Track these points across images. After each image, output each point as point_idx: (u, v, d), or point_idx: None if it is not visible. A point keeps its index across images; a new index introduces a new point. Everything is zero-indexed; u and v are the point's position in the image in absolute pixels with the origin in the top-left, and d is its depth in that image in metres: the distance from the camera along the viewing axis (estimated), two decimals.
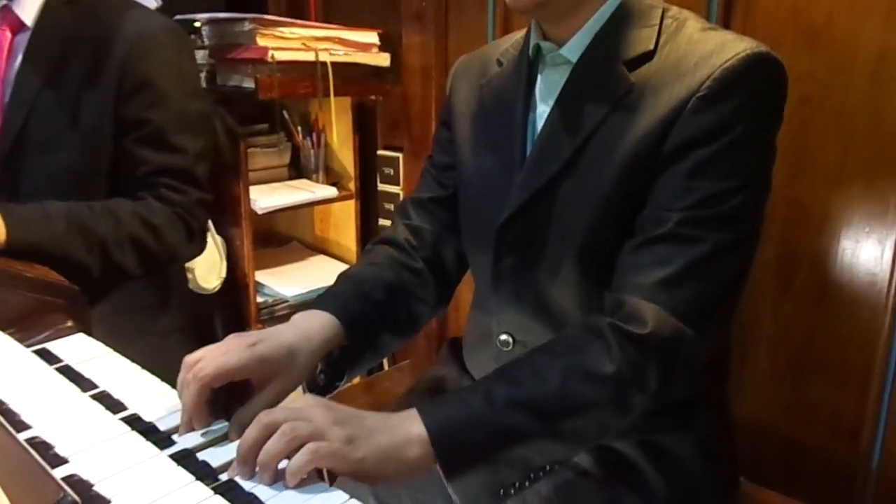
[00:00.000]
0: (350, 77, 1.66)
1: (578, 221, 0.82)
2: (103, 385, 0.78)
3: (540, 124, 0.87)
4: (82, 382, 0.79)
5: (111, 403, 0.74)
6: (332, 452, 0.62)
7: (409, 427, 0.67)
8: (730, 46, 0.76)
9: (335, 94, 1.60)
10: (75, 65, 1.17)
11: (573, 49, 0.84)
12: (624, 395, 0.73)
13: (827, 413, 1.18)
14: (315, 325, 0.82)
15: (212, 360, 0.72)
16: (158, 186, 1.20)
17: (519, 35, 0.98)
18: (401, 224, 1.02)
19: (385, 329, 0.92)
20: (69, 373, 0.81)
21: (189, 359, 0.73)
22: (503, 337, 0.91)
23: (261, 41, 1.49)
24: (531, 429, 0.70)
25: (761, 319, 1.22)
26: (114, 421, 0.71)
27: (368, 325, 0.89)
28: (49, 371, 0.82)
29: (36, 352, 0.87)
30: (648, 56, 0.80)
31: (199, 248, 1.29)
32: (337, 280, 0.95)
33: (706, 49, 0.77)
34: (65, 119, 1.16)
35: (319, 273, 1.84)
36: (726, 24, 1.16)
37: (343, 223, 1.93)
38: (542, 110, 0.87)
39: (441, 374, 1.07)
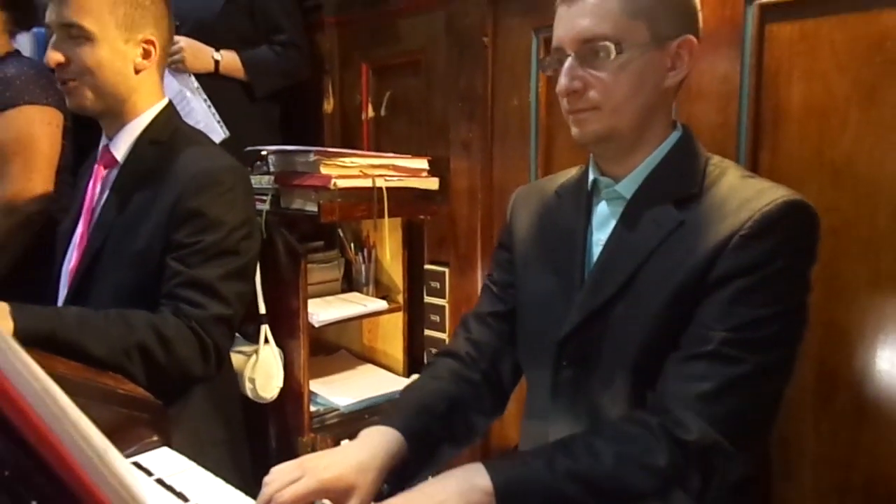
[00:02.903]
0: (402, 199, 1.80)
1: (631, 339, 0.90)
2: (194, 499, 0.85)
3: (597, 251, 0.97)
4: (177, 495, 0.86)
5: None
6: None
7: (475, 478, 0.77)
8: (768, 193, 0.86)
9: (389, 216, 1.73)
10: (143, 193, 1.28)
11: (628, 186, 0.95)
12: (669, 489, 0.80)
13: None
14: (383, 442, 0.90)
15: (289, 484, 0.80)
16: (178, 299, 1.21)
17: (573, 171, 1.10)
18: (462, 337, 1.11)
19: (445, 441, 1.00)
20: (163, 485, 0.89)
21: (268, 480, 0.82)
22: None
23: (324, 170, 1.64)
24: (583, 502, 0.78)
25: (803, 438, 1.26)
26: None
27: (430, 439, 0.96)
28: (149, 483, 0.89)
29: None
30: (695, 197, 0.91)
31: (215, 366, 1.25)
32: (402, 394, 1.04)
33: (747, 194, 0.87)
34: (129, 241, 1.26)
35: (368, 383, 1.92)
36: (754, 162, 1.26)
37: (391, 334, 2.01)
38: (599, 238, 0.98)
39: None
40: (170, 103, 1.38)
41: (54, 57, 1.26)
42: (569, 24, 0.92)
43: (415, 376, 1.92)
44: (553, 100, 1.62)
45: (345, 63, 2.19)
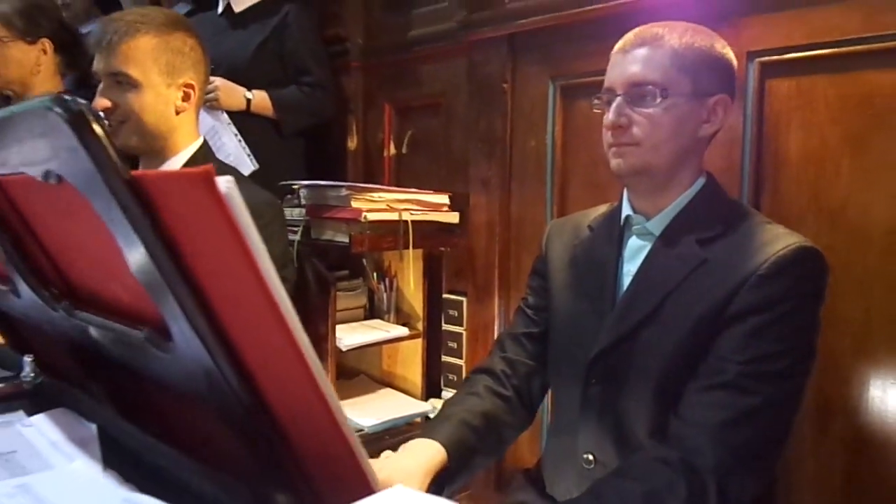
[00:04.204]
0: (424, 232, 1.91)
1: (655, 362, 1.00)
2: None
3: (626, 280, 1.08)
4: None
5: None
6: None
7: None
8: (783, 238, 0.97)
9: (413, 247, 1.84)
10: None
11: (658, 224, 1.07)
12: None
13: None
14: (427, 452, 1.00)
15: None
16: None
17: (604, 208, 1.22)
18: (498, 355, 1.22)
19: (480, 452, 1.10)
20: None
21: None
22: (586, 456, 1.08)
23: (354, 204, 1.76)
24: None
25: (804, 462, 1.34)
26: None
27: (467, 450, 1.06)
28: None
29: None
30: (718, 237, 1.02)
31: None
32: (442, 408, 1.14)
33: (765, 238, 0.98)
34: None
35: (389, 405, 2.01)
36: (756, 204, 1.38)
37: (410, 359, 2.11)
38: (629, 269, 1.09)
39: (520, 499, 1.22)
40: (205, 142, 1.50)
41: (102, 103, 1.36)
42: (622, 68, 1.04)
43: (433, 400, 2.03)
44: (568, 142, 1.76)
45: (368, 103, 2.32)
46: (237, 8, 2.17)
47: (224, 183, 0.31)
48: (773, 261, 0.95)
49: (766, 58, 1.36)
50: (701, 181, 1.08)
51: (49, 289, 0.58)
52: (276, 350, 0.36)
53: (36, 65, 1.92)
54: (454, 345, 2.03)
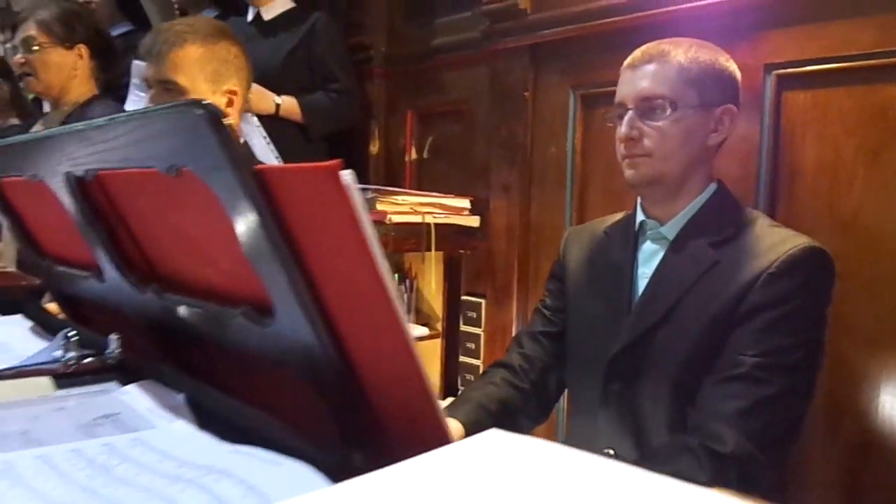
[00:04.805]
0: (445, 235, 1.97)
1: (672, 359, 1.06)
2: None
3: (642, 282, 1.14)
4: None
5: None
6: None
7: None
8: (791, 240, 1.03)
9: (435, 249, 1.90)
10: None
11: (671, 229, 1.13)
12: None
13: None
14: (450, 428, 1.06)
15: None
16: None
17: (619, 216, 1.28)
18: (516, 351, 1.28)
19: None
20: None
21: None
22: (606, 451, 1.13)
23: (379, 206, 1.82)
24: None
25: (814, 463, 1.39)
26: None
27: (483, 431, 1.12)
28: None
29: None
30: (729, 240, 1.07)
31: None
32: (462, 394, 1.20)
33: (774, 239, 1.04)
34: None
35: None
36: (772, 212, 1.42)
37: (428, 359, 2.17)
38: (644, 271, 1.15)
39: None
40: (245, 143, 1.56)
41: None
42: (632, 84, 1.11)
43: (450, 399, 2.08)
44: (587, 149, 1.82)
45: (391, 109, 2.39)
46: (267, 16, 2.24)
47: (346, 176, 0.37)
48: (782, 259, 1.00)
49: (783, 70, 1.41)
50: (712, 187, 1.14)
51: (137, 274, 0.64)
52: (375, 321, 0.41)
53: (73, 69, 1.99)
54: (472, 345, 2.08)
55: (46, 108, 2.37)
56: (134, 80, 2.12)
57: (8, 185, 0.82)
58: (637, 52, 1.13)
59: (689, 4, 1.50)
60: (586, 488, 0.30)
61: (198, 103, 0.39)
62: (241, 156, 0.39)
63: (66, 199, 0.63)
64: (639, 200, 1.20)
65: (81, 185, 0.61)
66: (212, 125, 0.39)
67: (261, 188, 0.40)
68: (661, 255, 1.13)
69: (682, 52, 1.09)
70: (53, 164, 0.61)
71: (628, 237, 1.19)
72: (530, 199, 1.93)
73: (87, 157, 0.56)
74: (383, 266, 0.39)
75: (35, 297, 1.15)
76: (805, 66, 1.39)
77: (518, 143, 1.93)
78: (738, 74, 1.14)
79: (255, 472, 0.40)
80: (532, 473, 0.30)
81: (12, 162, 0.71)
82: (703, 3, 1.48)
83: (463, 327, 2.11)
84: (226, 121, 1.32)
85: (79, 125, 0.54)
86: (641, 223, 1.18)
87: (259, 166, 0.41)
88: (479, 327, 2.06)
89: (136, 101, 2.07)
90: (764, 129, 1.44)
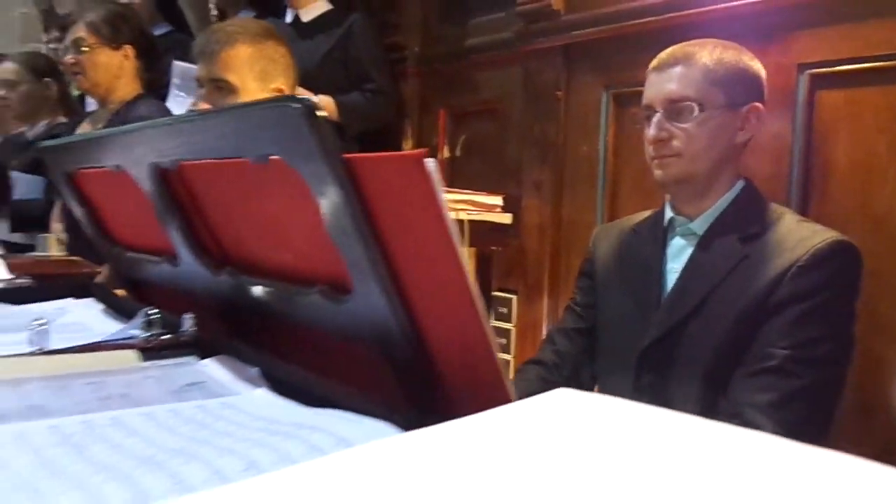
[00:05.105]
0: (478, 231, 2.01)
1: (702, 352, 1.09)
2: None
3: (671, 277, 1.17)
4: None
5: None
6: None
7: None
8: (820, 234, 1.06)
9: (468, 246, 1.94)
10: None
11: (700, 225, 1.16)
12: None
13: None
14: None
15: None
16: None
17: (647, 213, 1.31)
18: (548, 349, 1.31)
19: None
20: None
21: None
22: None
23: None
24: None
25: None
26: None
27: None
28: None
29: None
30: (757, 235, 1.10)
31: None
32: None
33: (803, 234, 1.07)
34: None
35: None
36: (804, 210, 1.45)
37: None
38: (673, 266, 1.18)
39: None
40: None
41: (205, 107, 1.50)
42: (659, 87, 1.14)
43: None
44: (619, 148, 1.85)
45: (424, 108, 2.44)
46: (305, 18, 2.30)
47: (430, 164, 0.41)
48: (811, 253, 1.03)
49: (816, 70, 1.44)
50: (740, 184, 1.17)
51: (211, 258, 0.69)
52: (450, 299, 0.46)
53: (119, 69, 2.06)
54: (503, 341, 2.12)
55: (90, 106, 2.46)
56: (174, 80, 2.20)
57: (83, 177, 0.88)
58: (663, 55, 1.16)
59: (722, 5, 1.53)
60: (677, 446, 0.30)
61: (295, 98, 0.44)
62: (334, 145, 0.44)
63: (148, 188, 0.68)
64: (667, 198, 1.23)
65: (164, 175, 0.66)
66: (308, 118, 0.44)
67: (348, 174, 0.45)
68: (689, 250, 1.16)
69: (707, 54, 1.12)
70: (139, 155, 0.66)
71: (657, 234, 1.22)
72: (562, 197, 1.97)
73: (173, 149, 0.61)
74: (460, 249, 0.43)
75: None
76: (838, 65, 1.41)
77: (550, 142, 1.97)
78: (763, 72, 1.17)
79: (341, 428, 0.44)
80: (610, 430, 0.32)
81: (94, 154, 0.76)
82: (736, 3, 1.50)
83: (494, 323, 2.15)
84: None
85: (167, 119, 0.59)
86: (670, 220, 1.21)
87: (346, 155, 0.45)
88: (510, 323, 2.10)
89: (176, 100, 2.15)
90: (796, 127, 1.46)
